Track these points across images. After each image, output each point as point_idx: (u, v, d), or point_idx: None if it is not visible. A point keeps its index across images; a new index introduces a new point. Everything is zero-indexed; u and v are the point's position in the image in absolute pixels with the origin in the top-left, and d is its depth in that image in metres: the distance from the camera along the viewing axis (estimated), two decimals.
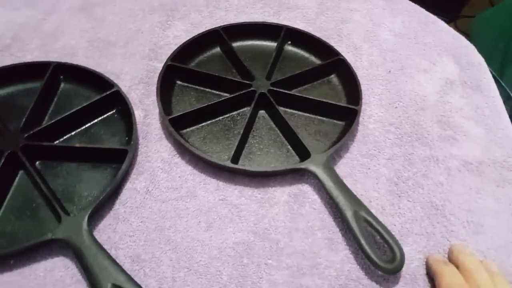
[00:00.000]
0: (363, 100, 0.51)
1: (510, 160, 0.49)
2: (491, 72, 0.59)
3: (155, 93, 0.49)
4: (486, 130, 0.52)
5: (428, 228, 0.44)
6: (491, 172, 0.48)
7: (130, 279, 0.36)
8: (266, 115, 0.51)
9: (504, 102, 0.55)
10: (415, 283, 0.40)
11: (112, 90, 0.49)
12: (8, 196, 0.42)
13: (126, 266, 0.38)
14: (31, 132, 0.45)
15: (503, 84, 0.60)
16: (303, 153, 0.46)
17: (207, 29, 0.57)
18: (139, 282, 0.37)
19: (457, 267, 0.39)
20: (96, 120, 0.49)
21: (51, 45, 0.57)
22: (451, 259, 0.41)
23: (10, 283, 0.38)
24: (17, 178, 0.44)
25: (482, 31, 1.09)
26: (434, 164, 0.48)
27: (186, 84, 0.53)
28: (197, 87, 0.53)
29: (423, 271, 0.41)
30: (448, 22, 0.65)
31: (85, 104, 0.47)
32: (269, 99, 0.49)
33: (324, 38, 0.57)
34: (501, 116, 0.53)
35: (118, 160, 0.44)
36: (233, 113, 0.51)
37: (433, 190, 0.46)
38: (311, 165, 0.44)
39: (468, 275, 0.38)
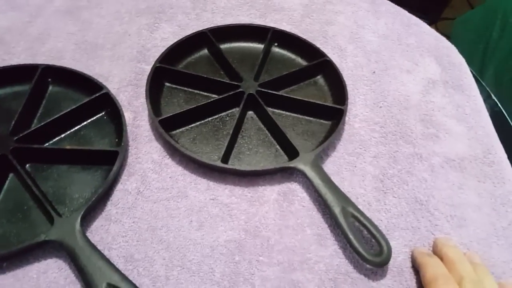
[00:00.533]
0: (348, 100, 0.52)
1: (491, 156, 0.51)
2: (472, 72, 0.61)
3: (144, 95, 0.49)
4: (467, 128, 0.53)
5: (413, 223, 0.45)
6: (473, 168, 0.50)
7: (125, 278, 0.36)
8: (255, 116, 0.52)
9: (484, 101, 0.57)
10: (402, 275, 0.41)
11: (101, 92, 0.49)
12: None
13: (120, 266, 0.39)
14: (21, 135, 0.44)
15: (483, 83, 0.62)
16: (292, 153, 0.47)
17: (194, 31, 0.57)
18: (133, 281, 0.37)
19: (441, 259, 0.40)
20: (85, 123, 0.49)
21: (38, 48, 0.57)
22: (435, 251, 0.42)
23: (4, 286, 0.38)
24: (7, 181, 0.43)
25: (462, 33, 1.12)
26: (418, 161, 0.50)
27: (174, 86, 0.53)
28: (185, 88, 0.53)
29: (409, 264, 0.42)
30: (429, 25, 0.66)
31: (74, 107, 0.47)
32: (257, 100, 0.50)
33: (310, 40, 0.58)
34: (482, 114, 0.55)
35: (108, 162, 0.44)
36: (222, 114, 0.51)
37: (418, 186, 0.48)
38: (299, 164, 0.45)
39: (452, 266, 0.39)
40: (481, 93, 0.58)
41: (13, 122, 0.45)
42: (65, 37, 0.58)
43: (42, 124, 0.46)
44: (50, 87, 0.52)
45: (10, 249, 0.38)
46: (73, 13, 0.62)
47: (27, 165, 0.45)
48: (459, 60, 0.61)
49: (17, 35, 0.58)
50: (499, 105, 0.60)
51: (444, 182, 0.48)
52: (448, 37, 0.64)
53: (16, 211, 0.42)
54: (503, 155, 0.51)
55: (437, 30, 0.65)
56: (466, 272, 0.38)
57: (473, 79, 0.59)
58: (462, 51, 0.63)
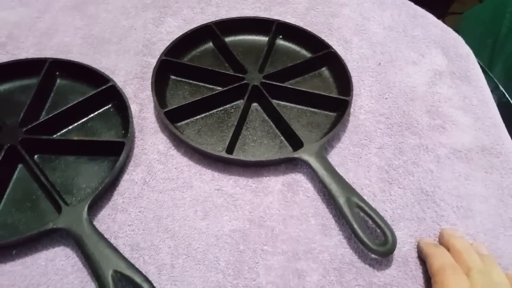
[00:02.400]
0: (354, 92, 0.52)
1: (498, 147, 0.50)
2: (479, 63, 0.60)
3: (150, 88, 0.50)
4: (474, 119, 0.53)
5: (419, 214, 0.45)
6: (480, 159, 0.49)
7: (131, 265, 0.37)
8: (259, 108, 0.52)
9: (492, 92, 0.56)
10: (407, 266, 0.41)
11: (108, 85, 0.49)
12: (8, 189, 0.43)
13: (126, 254, 0.39)
14: (30, 126, 0.45)
15: (490, 74, 0.62)
16: (296, 144, 0.47)
17: (199, 24, 0.57)
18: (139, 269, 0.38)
19: (448, 249, 0.40)
20: (92, 115, 0.49)
21: (46, 43, 0.58)
22: (442, 242, 0.42)
23: (13, 272, 0.39)
24: (16, 172, 0.44)
25: (470, 28, 1.11)
26: (424, 152, 0.49)
27: (179, 79, 0.54)
28: (190, 81, 0.54)
29: (414, 254, 0.42)
30: (436, 19, 0.66)
31: (81, 99, 0.48)
32: (262, 92, 0.50)
33: (314, 32, 0.58)
34: (489, 105, 0.55)
35: (115, 152, 0.45)
36: (227, 106, 0.52)
37: (423, 177, 0.47)
38: (304, 154, 0.45)
39: (459, 256, 0.39)
40: (488, 84, 0.57)
41: (22, 114, 0.46)
42: (72, 31, 0.59)
43: (50, 116, 0.47)
44: (58, 80, 0.53)
45: (19, 237, 0.38)
46: (80, 8, 0.63)
47: (36, 156, 0.46)
48: (466, 51, 0.61)
49: (26, 30, 0.59)
50: (507, 95, 0.59)
51: (451, 173, 0.48)
52: (456, 32, 0.64)
53: (25, 200, 0.42)
54: (511, 146, 0.51)
55: (445, 24, 0.65)
56: (474, 262, 0.38)
57: (480, 70, 0.59)
58: (470, 46, 0.62)
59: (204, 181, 0.46)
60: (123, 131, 0.48)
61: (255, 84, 0.51)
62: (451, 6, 1.51)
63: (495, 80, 0.61)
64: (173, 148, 0.48)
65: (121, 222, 0.42)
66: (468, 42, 0.62)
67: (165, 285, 0.39)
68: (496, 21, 0.99)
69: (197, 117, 0.50)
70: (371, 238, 0.40)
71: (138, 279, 0.36)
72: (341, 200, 0.42)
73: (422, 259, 0.41)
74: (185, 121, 0.50)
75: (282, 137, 0.49)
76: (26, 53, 0.56)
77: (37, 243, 0.40)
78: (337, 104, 0.51)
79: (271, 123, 0.50)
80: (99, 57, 0.56)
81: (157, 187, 0.45)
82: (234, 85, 0.51)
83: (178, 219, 0.43)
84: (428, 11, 0.67)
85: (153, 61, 0.53)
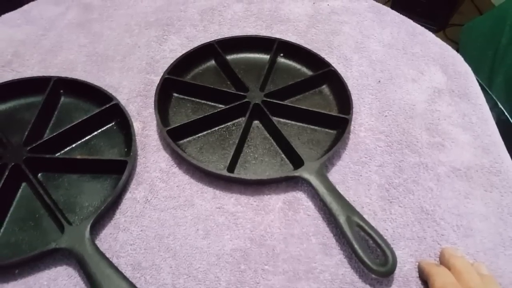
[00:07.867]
0: (353, 109, 0.52)
1: (497, 166, 0.51)
2: (478, 80, 0.61)
3: (153, 106, 0.51)
4: (474, 136, 0.53)
5: (419, 233, 0.45)
6: (479, 178, 0.49)
7: (133, 286, 0.37)
8: (260, 125, 0.52)
9: (491, 109, 0.57)
10: (408, 286, 0.41)
11: (111, 103, 0.50)
12: (12, 208, 0.43)
13: (127, 274, 0.39)
14: (34, 145, 0.46)
15: (489, 91, 0.62)
16: (297, 161, 0.47)
17: (202, 42, 0.58)
18: None
19: (449, 269, 0.40)
20: (96, 133, 0.50)
21: (50, 60, 0.58)
22: (443, 261, 0.42)
23: None
24: (20, 190, 0.45)
25: (470, 39, 1.11)
26: (424, 171, 0.50)
27: (182, 96, 0.55)
28: (193, 99, 0.54)
29: (415, 274, 0.42)
30: (437, 31, 0.66)
31: (85, 117, 0.49)
32: (263, 110, 0.51)
33: (315, 50, 0.58)
34: (488, 123, 0.55)
35: (118, 171, 0.45)
36: (228, 123, 0.52)
37: (423, 195, 0.48)
38: (304, 173, 0.46)
39: (459, 276, 0.39)
40: (487, 101, 0.58)
41: (26, 133, 0.47)
42: (77, 49, 0.60)
43: (54, 134, 0.47)
44: (62, 98, 0.53)
45: (21, 256, 0.39)
46: (84, 26, 0.64)
47: (39, 174, 0.46)
48: (465, 68, 0.61)
49: (31, 47, 0.60)
50: (506, 113, 0.60)
51: (450, 192, 0.48)
52: (456, 44, 0.64)
53: (28, 219, 0.43)
54: (510, 164, 0.51)
55: (446, 36, 0.66)
56: (474, 283, 0.38)
57: (479, 88, 0.59)
58: (470, 58, 0.62)
59: (205, 199, 0.46)
60: (125, 149, 0.48)
61: (256, 102, 0.51)
62: (451, 18, 1.52)
63: (494, 97, 0.61)
64: (175, 166, 0.49)
65: (123, 241, 0.43)
66: (469, 53, 0.63)
67: None
68: (497, 33, 1.00)
69: (199, 134, 0.51)
70: (371, 258, 0.40)
71: None
72: (342, 219, 0.42)
73: (423, 279, 0.41)
74: (187, 139, 0.50)
75: (283, 155, 0.50)
76: (31, 70, 0.57)
77: (39, 263, 0.40)
78: (337, 121, 0.51)
79: (272, 140, 0.51)
80: (103, 74, 0.57)
81: (159, 206, 0.45)
82: (236, 103, 0.51)
83: (180, 238, 0.43)
84: (429, 23, 0.68)
85: (156, 79, 0.54)
